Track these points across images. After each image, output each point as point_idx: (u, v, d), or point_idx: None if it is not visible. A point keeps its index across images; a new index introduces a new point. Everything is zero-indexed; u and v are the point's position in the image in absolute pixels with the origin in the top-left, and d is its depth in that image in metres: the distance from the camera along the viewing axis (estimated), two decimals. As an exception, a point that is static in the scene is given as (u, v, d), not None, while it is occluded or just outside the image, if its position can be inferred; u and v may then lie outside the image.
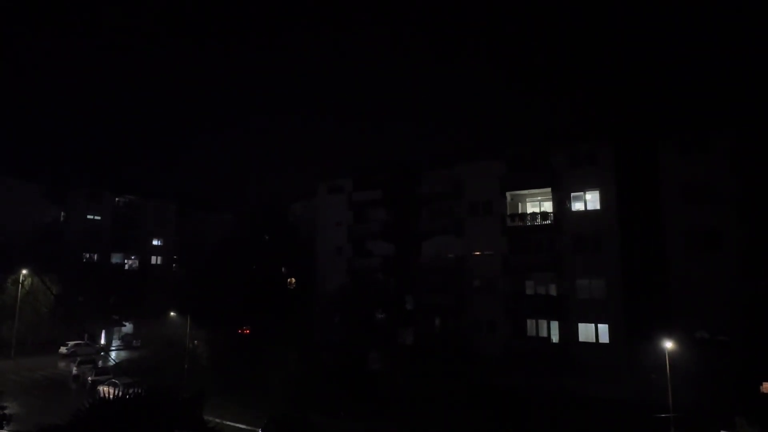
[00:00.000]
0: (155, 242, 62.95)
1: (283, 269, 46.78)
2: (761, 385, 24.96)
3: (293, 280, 47.72)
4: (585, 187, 31.58)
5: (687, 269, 27.88)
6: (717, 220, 27.39)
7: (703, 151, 28.39)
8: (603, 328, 29.75)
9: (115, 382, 28.56)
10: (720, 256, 27.14)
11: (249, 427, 25.06)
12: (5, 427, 15.11)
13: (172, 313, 45.31)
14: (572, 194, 31.94)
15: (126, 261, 59.90)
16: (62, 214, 55.09)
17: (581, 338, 30.33)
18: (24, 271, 42.21)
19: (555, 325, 31.59)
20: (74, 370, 35.83)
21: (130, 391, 8.70)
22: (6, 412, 15.68)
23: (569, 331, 30.69)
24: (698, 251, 27.78)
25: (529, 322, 32.72)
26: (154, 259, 62.50)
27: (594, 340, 29.91)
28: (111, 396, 9.16)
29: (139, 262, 60.32)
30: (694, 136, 28.78)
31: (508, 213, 34.08)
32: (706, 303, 26.95)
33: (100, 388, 29.15)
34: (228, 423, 24.80)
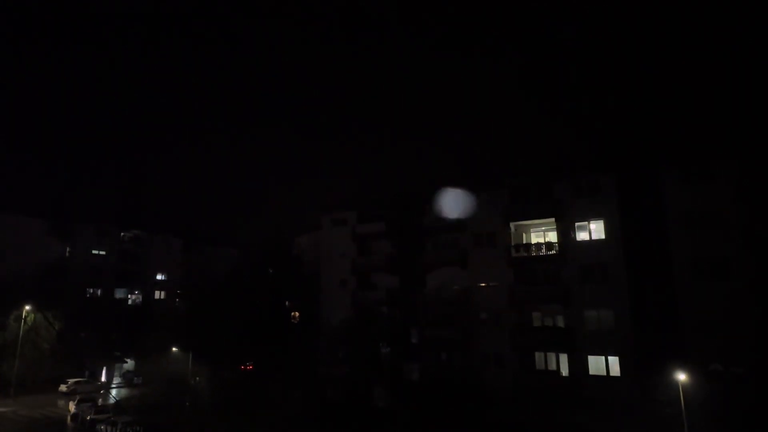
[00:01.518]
0: (159, 277, 62.87)
1: (287, 303, 46.32)
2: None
3: (297, 314, 47.17)
4: (589, 217, 31.52)
5: (696, 299, 27.41)
6: (724, 248, 27.12)
7: (706, 179, 28.42)
8: (613, 361, 29.03)
9: (114, 421, 27.88)
10: (729, 285, 26.72)
11: (250, 468, 24.24)
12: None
13: (174, 349, 44.75)
14: (576, 224, 31.85)
15: (129, 296, 59.68)
16: (67, 249, 55.36)
17: (591, 371, 29.57)
18: (27, 307, 42.04)
19: (564, 358, 30.86)
20: (73, 409, 35.09)
21: (128, 430, 8.48)
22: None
23: (579, 364, 29.95)
24: (707, 280, 27.38)
25: (537, 355, 32.00)
26: (158, 294, 62.24)
27: (605, 373, 29.14)
28: (108, 434, 8.93)
29: (143, 297, 60.08)
30: (697, 165, 28.89)
31: (513, 244, 33.93)
32: (718, 333, 26.35)
33: (100, 427, 28.43)
34: (229, 463, 24.04)
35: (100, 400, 37.57)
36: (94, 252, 57.17)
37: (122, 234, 60.53)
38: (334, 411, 29.50)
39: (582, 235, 31.70)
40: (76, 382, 43.01)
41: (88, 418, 32.07)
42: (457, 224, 36.63)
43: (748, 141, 28.51)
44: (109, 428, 23.71)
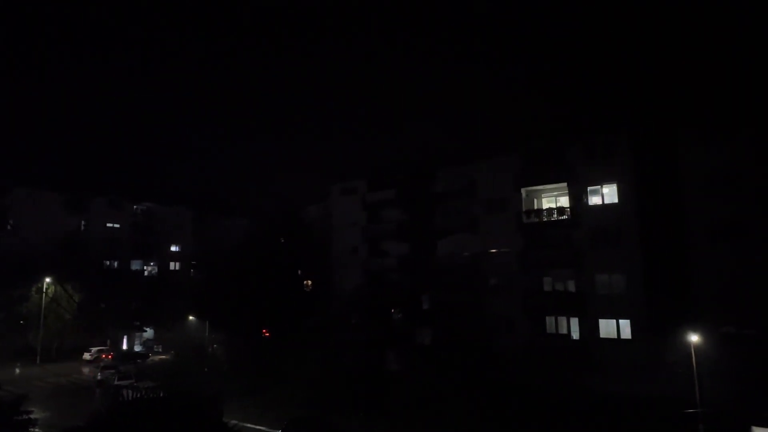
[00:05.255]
0: (173, 248, 63.87)
1: (299, 271, 46.93)
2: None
3: (309, 282, 47.84)
4: (602, 181, 31.03)
5: (711, 262, 27.15)
6: (741, 210, 26.62)
7: (725, 139, 27.63)
8: (624, 324, 29.15)
9: (137, 386, 28.96)
10: (745, 248, 26.36)
11: (269, 429, 25.17)
12: (31, 431, 15.41)
13: (191, 318, 45.93)
14: (589, 188, 31.41)
15: (145, 267, 60.86)
16: (83, 222, 56.26)
17: (602, 334, 29.77)
18: (47, 280, 43.15)
19: (575, 322, 31.07)
20: (99, 375, 36.53)
21: (148, 391, 8.73)
22: (32, 416, 15.94)
23: (590, 328, 30.15)
24: (722, 243, 27.01)
25: (548, 319, 32.25)
26: (173, 265, 63.41)
27: (615, 336, 29.32)
28: (130, 397, 9.23)
29: (158, 269, 61.26)
30: (716, 125, 28.04)
31: (524, 209, 33.69)
32: (732, 296, 26.18)
33: (123, 392, 29.59)
34: (248, 425, 24.90)
35: (123, 367, 38.97)
36: (109, 225, 58.05)
37: (135, 207, 61.24)
38: (348, 375, 30.22)
39: (594, 200, 31.32)
40: (99, 350, 44.57)
41: (113, 383, 33.41)
42: (468, 190, 36.39)
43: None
44: (132, 393, 24.60)
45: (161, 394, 11.73)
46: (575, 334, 30.95)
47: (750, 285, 25.82)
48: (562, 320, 31.69)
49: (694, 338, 23.03)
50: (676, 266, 28.15)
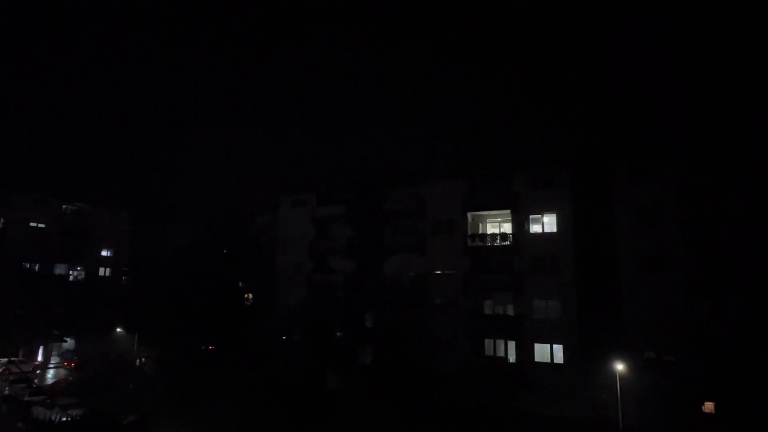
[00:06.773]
0: (105, 252, 59.79)
1: (240, 284, 45.35)
2: (703, 404, 26.10)
3: (250, 295, 46.34)
4: (543, 210, 32.54)
5: (638, 291, 29.05)
6: (666, 244, 28.79)
7: (654, 178, 29.90)
8: (558, 349, 30.40)
9: (50, 403, 26.54)
10: (668, 279, 28.46)
11: (197, 451, 23.77)
12: None
13: (118, 329, 43.04)
14: (531, 216, 32.83)
15: (71, 272, 56.47)
16: (1, 220, 51.57)
17: (537, 358, 30.86)
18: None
19: (512, 345, 32.04)
20: (6, 390, 33.09)
21: (69, 413, 8.01)
22: None
23: (525, 351, 31.19)
24: (648, 274, 29.03)
25: (487, 341, 33.06)
26: (103, 271, 59.24)
27: (549, 360, 30.50)
28: (46, 419, 8.42)
29: (86, 274, 57.00)
30: (646, 163, 30.32)
31: (469, 233, 34.61)
32: (655, 324, 28.09)
33: (34, 410, 26.95)
34: (175, 447, 23.46)
35: (36, 381, 35.67)
36: (33, 224, 53.48)
37: (64, 206, 56.89)
38: (286, 394, 29.33)
39: (535, 228, 32.74)
40: (8, 362, 40.57)
41: (23, 400, 30.37)
42: (417, 211, 36.92)
43: (695, 142, 30.18)
44: (45, 412, 22.43)
45: (79, 415, 10.79)
46: (512, 357, 31.89)
47: (670, 315, 27.85)
48: (500, 343, 32.59)
49: (619, 365, 24.38)
50: (607, 295, 29.85)
